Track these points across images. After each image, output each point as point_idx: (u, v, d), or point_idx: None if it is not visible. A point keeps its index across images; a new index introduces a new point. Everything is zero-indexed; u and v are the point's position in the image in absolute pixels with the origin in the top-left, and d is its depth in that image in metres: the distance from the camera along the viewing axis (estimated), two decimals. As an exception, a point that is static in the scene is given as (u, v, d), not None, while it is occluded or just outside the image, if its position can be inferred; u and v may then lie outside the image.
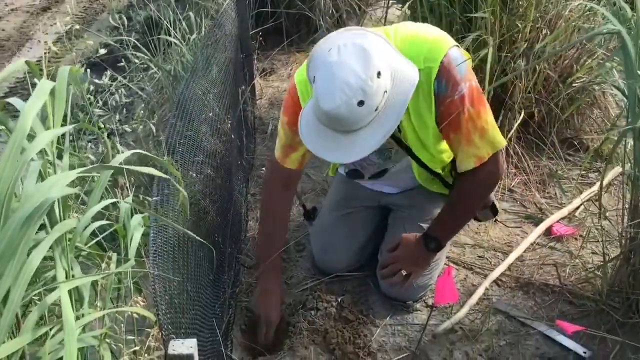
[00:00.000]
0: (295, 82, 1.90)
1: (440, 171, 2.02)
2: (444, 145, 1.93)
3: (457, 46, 1.84)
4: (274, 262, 2.06)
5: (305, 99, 1.84)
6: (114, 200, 1.34)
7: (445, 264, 2.19)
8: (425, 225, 2.08)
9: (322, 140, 1.67)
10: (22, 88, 4.26)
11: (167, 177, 1.27)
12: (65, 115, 1.22)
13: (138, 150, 1.37)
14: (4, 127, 1.20)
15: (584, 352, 1.85)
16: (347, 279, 2.19)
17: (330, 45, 1.64)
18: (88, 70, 2.80)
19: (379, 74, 1.57)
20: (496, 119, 2.63)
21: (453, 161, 1.98)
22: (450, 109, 1.78)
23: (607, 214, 2.23)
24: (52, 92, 1.18)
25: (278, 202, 2.09)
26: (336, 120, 1.60)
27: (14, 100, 1.21)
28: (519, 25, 2.58)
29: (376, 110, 1.59)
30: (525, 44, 2.61)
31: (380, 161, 2.04)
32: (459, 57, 1.79)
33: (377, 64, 1.57)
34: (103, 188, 1.25)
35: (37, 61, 4.26)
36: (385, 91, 1.60)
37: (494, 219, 2.38)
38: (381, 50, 1.62)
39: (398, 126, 1.74)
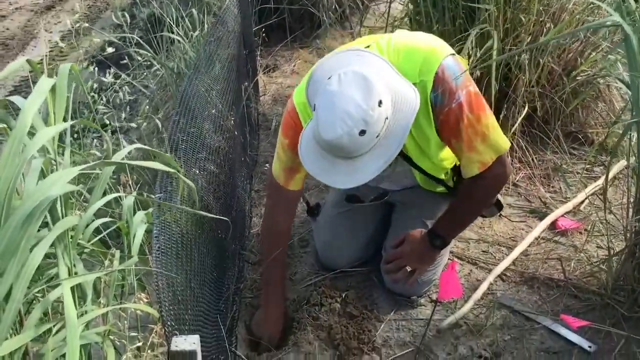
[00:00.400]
0: (295, 104, 1.89)
1: (442, 177, 2.02)
2: (446, 153, 1.92)
3: (453, 54, 1.82)
4: (278, 285, 2.08)
5: (306, 120, 1.83)
6: (115, 195, 1.34)
7: (449, 258, 2.18)
8: (429, 222, 2.08)
9: (323, 164, 1.68)
10: (27, 87, 4.28)
11: (170, 169, 1.27)
12: (67, 113, 1.22)
13: (140, 145, 1.37)
14: (5, 126, 1.20)
15: (589, 347, 1.84)
16: (351, 274, 2.19)
17: (329, 72, 1.65)
18: (96, 68, 2.82)
19: (380, 102, 1.57)
20: (500, 112, 2.63)
21: (456, 167, 1.98)
22: (449, 117, 1.77)
23: (612, 208, 2.22)
24: (54, 90, 1.19)
25: (282, 228, 2.09)
26: (337, 148, 1.61)
27: (15, 99, 1.22)
28: (523, 18, 2.56)
29: (377, 137, 1.60)
30: (529, 38, 2.60)
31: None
32: (453, 65, 1.77)
33: (378, 92, 1.57)
34: (105, 184, 1.25)
35: (41, 60, 4.27)
36: (387, 117, 1.60)
37: (499, 214, 2.38)
38: (381, 76, 1.62)
39: None
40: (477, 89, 1.82)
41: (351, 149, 1.60)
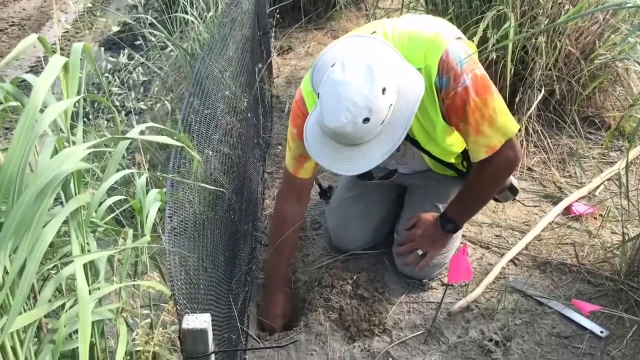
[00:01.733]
0: (303, 94, 1.89)
1: (452, 161, 2.01)
2: (454, 138, 1.90)
3: (459, 38, 1.80)
4: (280, 272, 2.08)
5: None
6: (127, 171, 1.34)
7: (461, 242, 2.17)
8: (441, 205, 2.07)
9: (328, 151, 1.69)
10: (43, 67, 4.30)
11: (180, 144, 1.27)
12: (79, 91, 1.23)
13: (151, 124, 1.37)
14: (19, 104, 1.21)
15: (601, 332, 1.83)
16: (362, 257, 2.20)
17: (334, 59, 1.65)
18: (102, 48, 2.83)
19: (384, 90, 1.57)
20: (515, 96, 2.60)
21: (465, 151, 1.97)
22: (455, 101, 1.75)
23: (627, 193, 2.19)
24: (67, 69, 1.19)
25: (290, 215, 2.08)
26: (342, 136, 1.62)
27: (27, 76, 1.22)
28: (541, 0, 2.52)
29: (382, 123, 1.60)
30: (547, 20, 2.56)
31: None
32: (458, 49, 1.75)
33: (382, 80, 1.58)
34: (118, 161, 1.26)
35: (55, 41, 4.28)
36: (391, 104, 1.60)
37: (513, 199, 2.36)
38: (386, 62, 1.62)
39: None
40: (484, 72, 1.79)
41: (355, 137, 1.61)
